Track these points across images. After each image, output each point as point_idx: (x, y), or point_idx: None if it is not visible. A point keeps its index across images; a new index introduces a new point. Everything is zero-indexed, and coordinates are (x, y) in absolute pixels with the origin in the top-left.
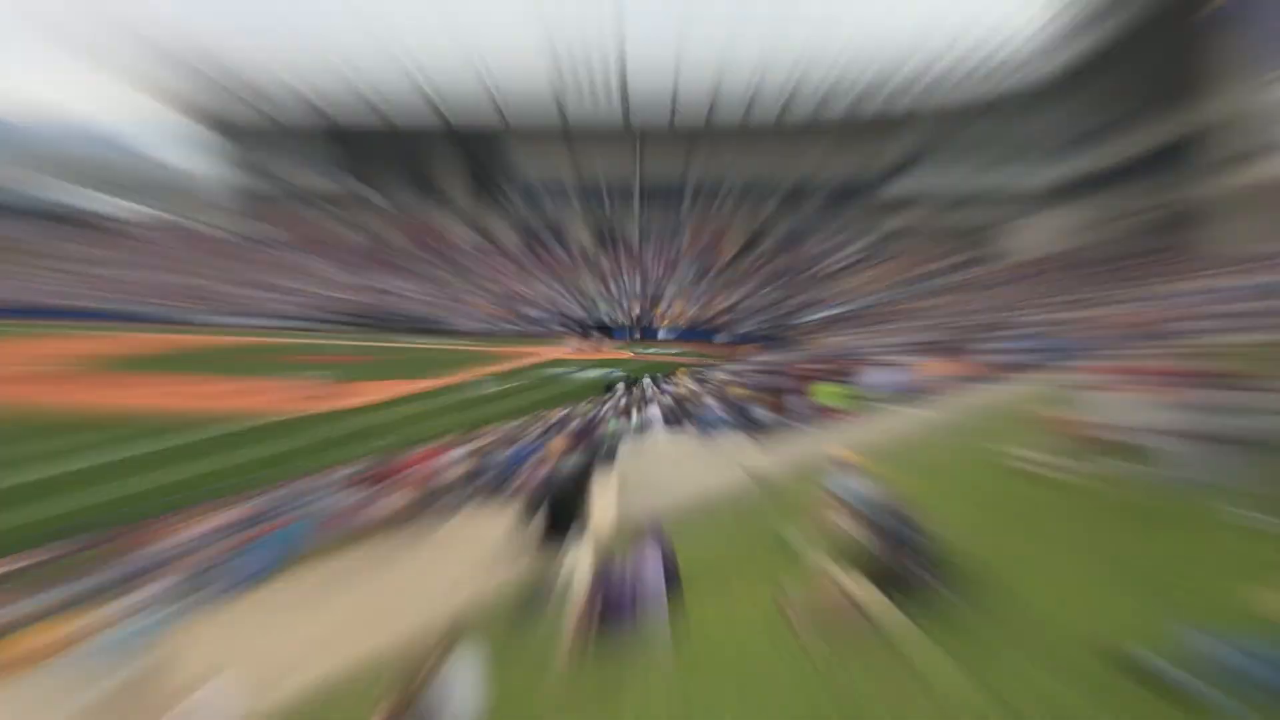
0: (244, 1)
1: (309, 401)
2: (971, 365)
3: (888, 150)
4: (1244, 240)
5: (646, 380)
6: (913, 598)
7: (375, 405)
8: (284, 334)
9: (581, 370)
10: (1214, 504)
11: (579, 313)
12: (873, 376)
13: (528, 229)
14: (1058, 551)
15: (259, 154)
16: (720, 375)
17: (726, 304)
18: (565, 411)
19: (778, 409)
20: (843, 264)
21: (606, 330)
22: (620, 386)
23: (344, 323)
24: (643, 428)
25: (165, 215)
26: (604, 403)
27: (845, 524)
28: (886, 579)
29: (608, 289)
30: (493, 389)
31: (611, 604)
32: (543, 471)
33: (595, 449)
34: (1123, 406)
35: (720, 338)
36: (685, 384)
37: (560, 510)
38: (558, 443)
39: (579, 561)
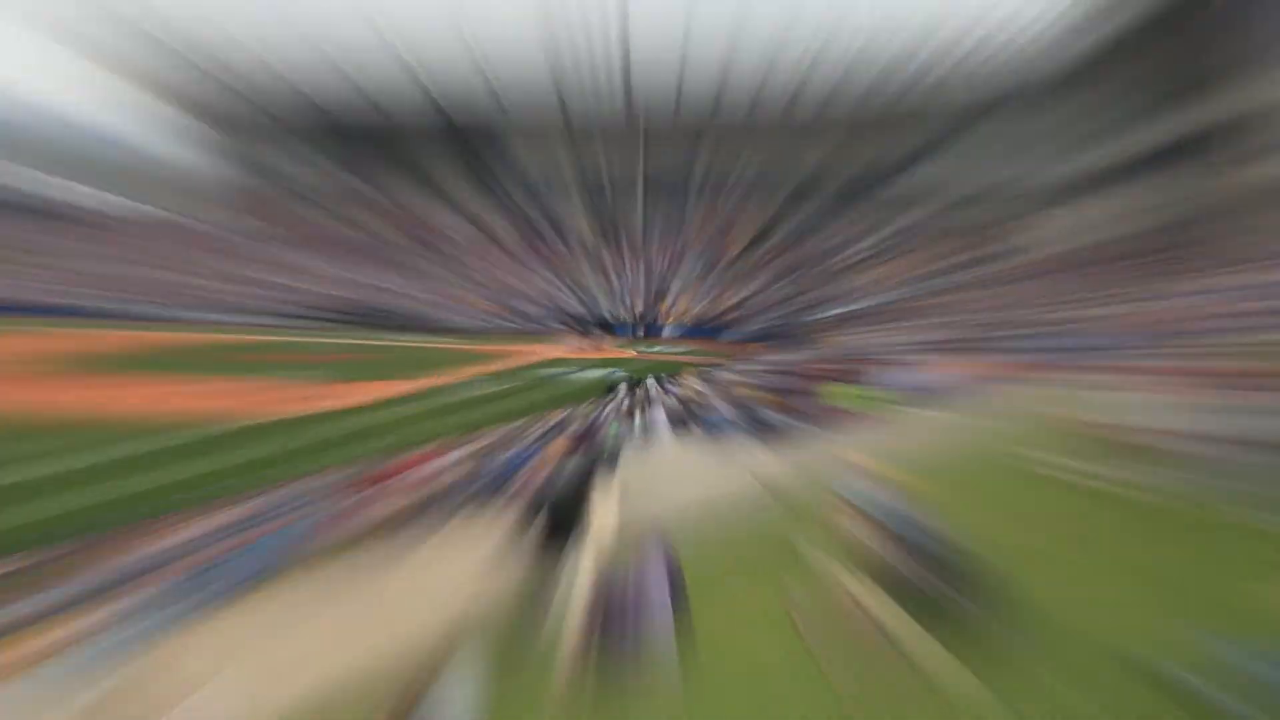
0: None
1: (301, 402)
2: (992, 365)
3: (901, 143)
4: (1272, 236)
5: (650, 381)
6: (933, 611)
7: (369, 406)
8: (277, 331)
9: (581, 370)
10: (1247, 510)
11: (579, 309)
12: (889, 377)
13: (527, 222)
14: (1087, 562)
15: (252, 148)
16: (728, 375)
17: (735, 300)
18: (565, 413)
19: (789, 411)
20: (857, 259)
21: (608, 327)
22: (623, 388)
23: (337, 320)
24: (647, 431)
25: (154, 210)
26: (606, 404)
27: (861, 533)
28: (905, 591)
29: (609, 284)
30: (489, 389)
31: (613, 615)
32: (542, 476)
33: (597, 453)
34: (1150, 408)
35: (728, 335)
36: (691, 385)
37: (560, 516)
38: (558, 446)
39: (579, 570)
